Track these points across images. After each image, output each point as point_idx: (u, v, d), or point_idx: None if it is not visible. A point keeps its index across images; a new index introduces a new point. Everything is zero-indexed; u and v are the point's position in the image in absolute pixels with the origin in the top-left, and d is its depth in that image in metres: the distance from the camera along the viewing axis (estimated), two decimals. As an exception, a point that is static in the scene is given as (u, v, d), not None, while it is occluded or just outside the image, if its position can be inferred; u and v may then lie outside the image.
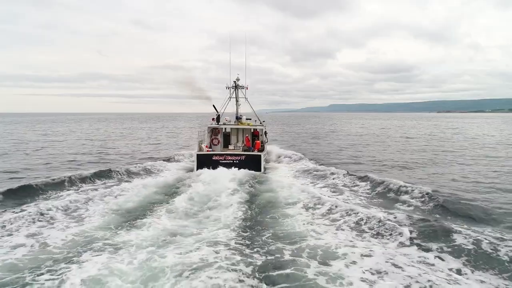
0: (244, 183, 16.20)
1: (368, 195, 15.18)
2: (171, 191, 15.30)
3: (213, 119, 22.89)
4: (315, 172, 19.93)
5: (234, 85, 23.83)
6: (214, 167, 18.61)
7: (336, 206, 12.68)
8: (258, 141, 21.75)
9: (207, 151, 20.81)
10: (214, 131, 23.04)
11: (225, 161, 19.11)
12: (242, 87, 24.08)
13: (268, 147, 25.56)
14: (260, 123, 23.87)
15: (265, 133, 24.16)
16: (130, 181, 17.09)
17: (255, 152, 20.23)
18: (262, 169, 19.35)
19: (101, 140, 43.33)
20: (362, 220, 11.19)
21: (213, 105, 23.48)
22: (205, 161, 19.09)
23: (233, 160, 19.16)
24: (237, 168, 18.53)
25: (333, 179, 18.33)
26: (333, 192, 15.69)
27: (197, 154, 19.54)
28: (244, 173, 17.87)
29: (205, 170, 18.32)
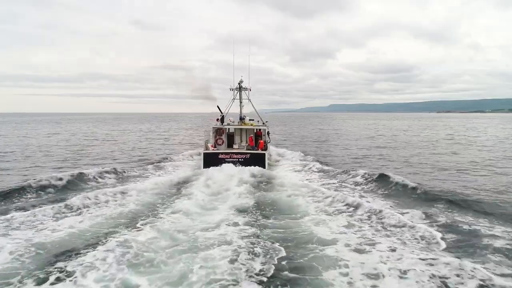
0: (250, 209, 12.51)
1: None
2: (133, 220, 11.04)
3: (217, 119, 23.45)
4: (333, 177, 18.50)
5: (238, 87, 24.50)
6: (220, 165, 19.21)
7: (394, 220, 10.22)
8: (261, 141, 22.30)
9: (213, 150, 21.33)
10: (218, 131, 23.50)
11: (230, 159, 19.71)
12: (246, 89, 24.75)
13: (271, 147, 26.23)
14: (263, 123, 24.44)
15: (268, 133, 24.69)
16: (77, 204, 12.20)
17: (260, 151, 20.83)
18: (266, 167, 19.93)
19: (76, 144, 37.90)
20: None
21: (217, 106, 24.01)
22: (211, 160, 19.69)
23: (238, 158, 19.78)
24: (242, 166, 19.24)
25: (363, 186, 16.33)
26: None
27: (204, 153, 20.17)
28: (249, 178, 17.26)
29: (203, 181, 16.57)
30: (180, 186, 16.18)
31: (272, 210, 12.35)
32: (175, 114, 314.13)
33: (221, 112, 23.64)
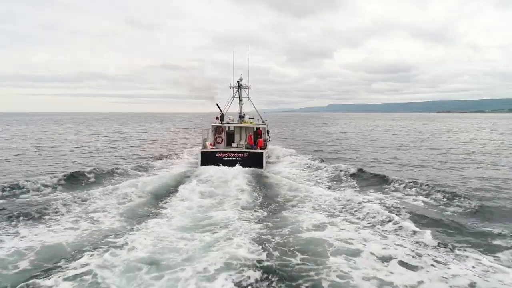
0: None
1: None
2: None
3: (216, 118, 23.31)
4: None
5: (237, 85, 24.32)
6: (218, 164, 19.20)
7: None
8: (260, 140, 22.30)
9: (211, 148, 21.28)
10: (217, 130, 23.33)
11: (228, 158, 19.73)
12: (245, 87, 24.57)
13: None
14: (263, 122, 24.39)
15: (268, 132, 24.68)
16: None
17: (257, 150, 20.79)
18: (264, 166, 19.93)
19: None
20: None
21: (217, 104, 23.86)
22: (209, 158, 19.78)
23: (236, 157, 19.79)
24: (240, 165, 19.14)
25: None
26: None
27: (201, 151, 20.24)
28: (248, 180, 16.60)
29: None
30: (172, 190, 14.95)
31: (266, 212, 11.94)
32: (172, 114, 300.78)
33: (221, 111, 23.41)
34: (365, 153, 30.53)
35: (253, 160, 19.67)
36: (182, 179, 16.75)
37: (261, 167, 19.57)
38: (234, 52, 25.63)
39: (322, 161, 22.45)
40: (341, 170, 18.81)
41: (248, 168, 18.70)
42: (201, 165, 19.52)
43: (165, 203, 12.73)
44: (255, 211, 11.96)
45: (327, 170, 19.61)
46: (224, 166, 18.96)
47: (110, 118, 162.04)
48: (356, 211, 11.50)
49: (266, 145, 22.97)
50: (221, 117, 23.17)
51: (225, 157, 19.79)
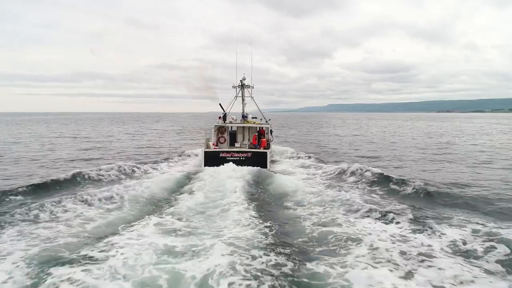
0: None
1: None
2: None
3: (219, 117, 23.17)
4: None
5: (240, 84, 24.08)
6: (221, 164, 18.88)
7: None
8: (264, 139, 22.15)
9: (214, 148, 21.06)
10: (220, 130, 23.14)
11: (231, 158, 19.52)
12: (248, 86, 24.35)
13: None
14: (266, 121, 24.17)
15: (271, 131, 24.54)
16: None
17: (261, 150, 20.63)
18: (268, 166, 19.76)
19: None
20: None
21: (220, 104, 23.71)
22: (212, 158, 19.47)
23: (239, 157, 19.62)
24: (243, 165, 18.81)
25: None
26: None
27: (205, 151, 19.88)
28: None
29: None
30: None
31: (287, 260, 8.02)
32: (170, 114, 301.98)
33: (223, 110, 23.30)
34: (394, 163, 24.60)
35: (257, 160, 19.50)
36: (152, 206, 12.62)
37: (265, 167, 19.40)
38: (236, 51, 24.96)
39: (348, 174, 18.13)
40: (379, 188, 15.23)
41: (251, 170, 18.24)
42: (205, 165, 19.26)
43: (111, 242, 8.55)
44: (265, 262, 7.59)
45: (354, 186, 15.99)
46: (228, 164, 18.63)
47: (106, 118, 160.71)
48: (428, 263, 7.61)
49: (270, 145, 22.87)
50: (224, 117, 23.01)
51: (228, 157, 19.61)
